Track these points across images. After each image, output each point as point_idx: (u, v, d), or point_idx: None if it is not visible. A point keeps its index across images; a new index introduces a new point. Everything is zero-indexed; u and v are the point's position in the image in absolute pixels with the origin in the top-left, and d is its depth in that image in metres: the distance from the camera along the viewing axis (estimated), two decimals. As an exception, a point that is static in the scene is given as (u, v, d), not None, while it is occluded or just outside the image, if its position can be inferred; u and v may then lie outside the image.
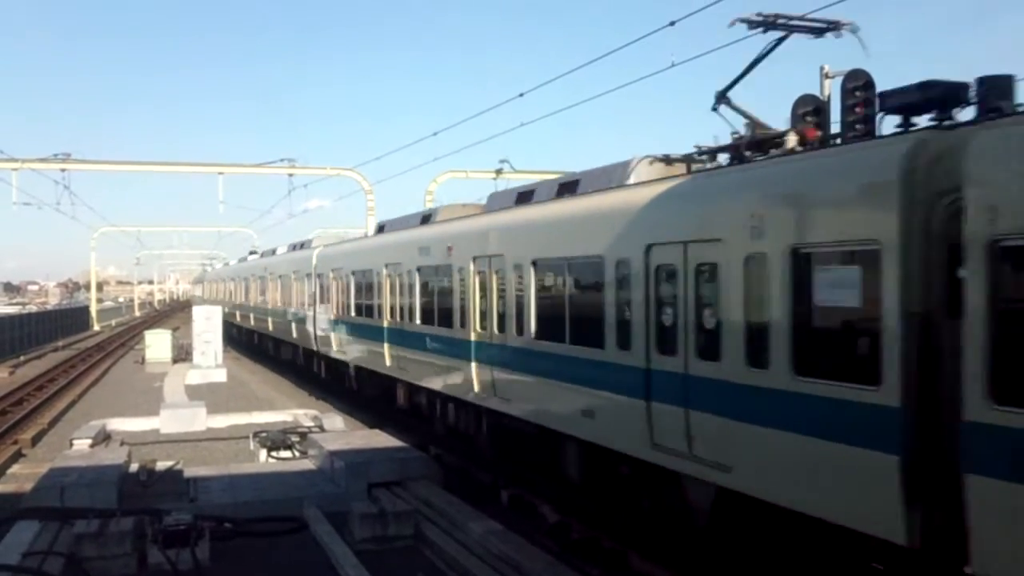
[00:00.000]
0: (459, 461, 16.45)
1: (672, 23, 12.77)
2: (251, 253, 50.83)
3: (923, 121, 8.21)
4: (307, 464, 14.95)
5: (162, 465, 13.31)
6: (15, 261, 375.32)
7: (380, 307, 20.32)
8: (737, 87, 10.67)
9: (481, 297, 14.78)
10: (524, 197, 14.64)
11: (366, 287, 21.65)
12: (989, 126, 6.92)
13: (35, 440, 19.65)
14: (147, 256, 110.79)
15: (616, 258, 10.83)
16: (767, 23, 10.06)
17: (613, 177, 12.05)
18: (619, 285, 10.80)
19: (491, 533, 10.61)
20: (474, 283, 14.98)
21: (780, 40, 10.26)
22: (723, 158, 10.91)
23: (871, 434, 7.23)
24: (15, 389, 27.63)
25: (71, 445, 16.24)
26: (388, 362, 19.78)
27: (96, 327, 70.87)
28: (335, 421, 18.38)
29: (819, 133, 9.95)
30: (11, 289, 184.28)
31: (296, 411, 20.68)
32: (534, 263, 13.05)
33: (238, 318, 44.88)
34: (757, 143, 10.19)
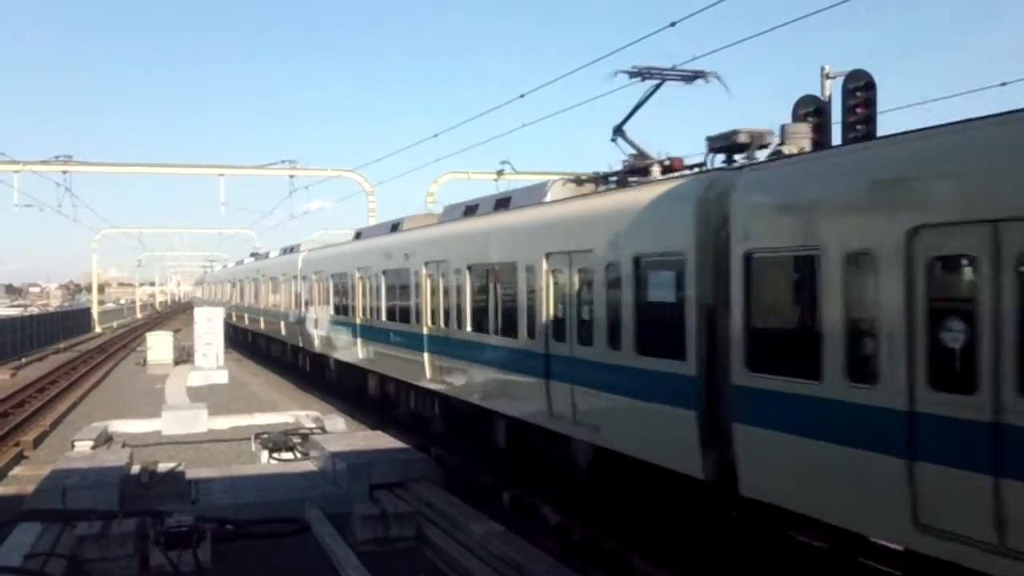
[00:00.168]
0: (461, 462, 16.45)
1: (673, 24, 12.79)
2: (252, 255, 50.94)
3: (740, 158, 10.54)
4: (309, 465, 14.95)
5: (164, 467, 13.31)
6: (17, 263, 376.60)
7: (354, 307, 22.57)
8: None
9: (431, 296, 17.06)
10: (470, 210, 16.66)
11: (343, 289, 23.92)
12: (747, 171, 9.27)
13: (37, 442, 19.66)
14: (148, 258, 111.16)
15: (525, 264, 13.12)
16: (642, 74, 12.07)
17: (535, 196, 14.29)
18: (527, 286, 13.06)
19: (492, 534, 10.61)
20: (426, 284, 17.28)
21: (657, 87, 12.29)
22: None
23: (680, 396, 9.58)
24: (17, 391, 27.63)
25: (73, 447, 16.24)
26: (361, 355, 22.16)
27: (98, 329, 70.89)
28: (337, 422, 18.39)
29: (685, 164, 11.71)
30: (13, 291, 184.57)
31: (298, 412, 20.69)
32: (469, 267, 15.28)
33: (234, 318, 45.32)
34: (637, 170, 12.30)
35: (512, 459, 14.92)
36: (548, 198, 13.75)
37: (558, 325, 12.24)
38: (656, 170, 11.88)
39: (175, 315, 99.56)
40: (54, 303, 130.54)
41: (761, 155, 10.34)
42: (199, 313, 33.74)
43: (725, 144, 10.71)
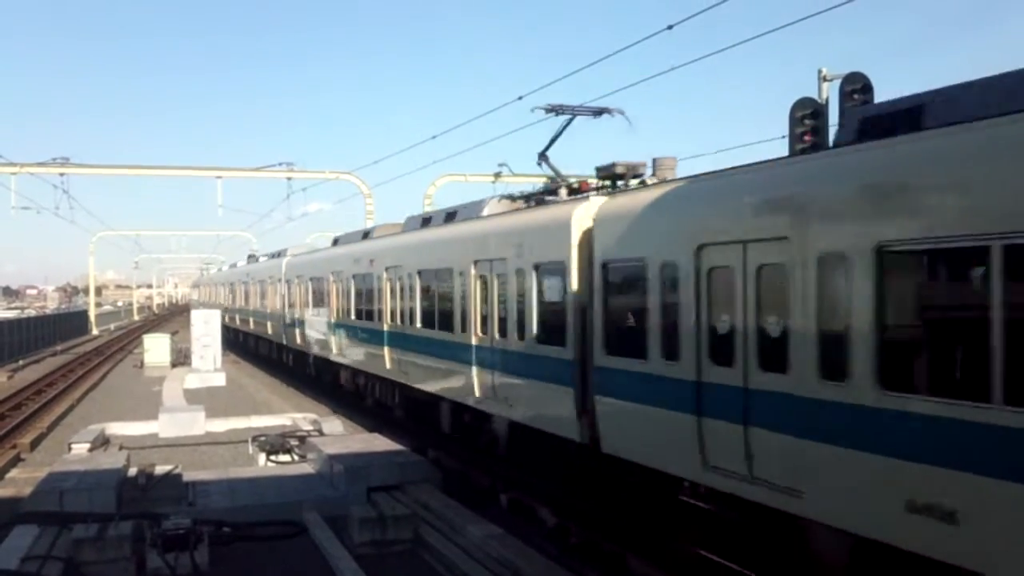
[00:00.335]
0: (458, 465, 16.44)
1: (670, 27, 12.80)
2: (249, 256, 51.01)
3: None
4: (306, 468, 14.94)
5: (161, 469, 13.28)
6: (14, 265, 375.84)
7: (329, 307, 24.93)
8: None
9: (391, 297, 19.43)
10: (426, 222, 18.93)
11: (320, 291, 26.30)
12: (605, 199, 11.75)
13: (34, 444, 19.62)
14: (146, 260, 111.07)
15: (459, 269, 15.39)
16: (556, 110, 14.46)
17: (474, 210, 16.29)
18: (460, 288, 15.41)
19: (490, 537, 10.60)
20: (386, 287, 19.66)
21: (569, 121, 14.62)
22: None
23: (563, 376, 11.97)
24: (14, 393, 27.58)
25: (70, 449, 16.23)
26: (335, 351, 24.48)
27: (95, 331, 70.83)
28: (334, 425, 18.38)
29: (591, 186, 13.73)
30: (10, 293, 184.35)
31: (295, 415, 20.69)
32: (419, 272, 17.65)
33: (226, 319, 45.54)
34: (551, 191, 14.65)
35: (508, 460, 15.08)
36: (484, 212, 15.81)
37: (483, 321, 14.63)
38: (563, 191, 14.21)
39: (172, 317, 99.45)
40: (51, 305, 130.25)
41: (637, 182, 12.82)
42: (196, 315, 33.70)
43: (608, 174, 13.09)
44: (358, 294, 22.12)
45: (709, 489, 9.72)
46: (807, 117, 13.05)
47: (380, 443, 15.49)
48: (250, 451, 16.65)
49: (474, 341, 14.74)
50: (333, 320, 24.43)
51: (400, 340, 18.73)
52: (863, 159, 7.70)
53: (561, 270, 12.03)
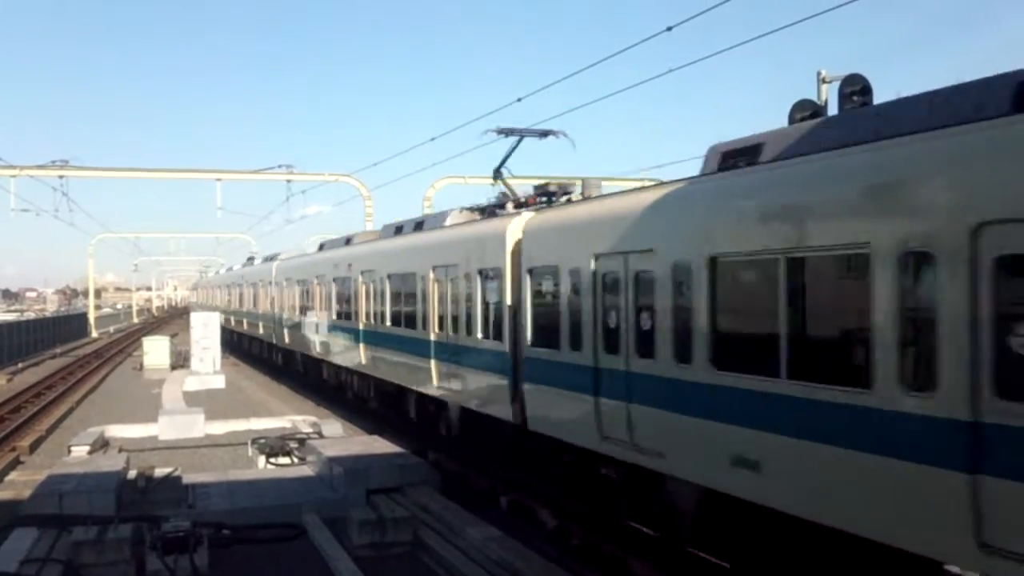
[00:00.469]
0: (458, 467, 16.44)
1: (669, 28, 12.81)
2: (249, 258, 51.04)
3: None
4: (306, 470, 14.92)
5: (160, 472, 13.26)
6: (13, 268, 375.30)
7: (313, 309, 27.06)
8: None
9: (366, 299, 21.41)
10: (398, 230, 20.72)
11: (306, 293, 28.43)
12: (535, 213, 13.84)
13: (33, 447, 19.61)
14: (145, 263, 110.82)
15: (420, 274, 17.47)
16: (507, 132, 16.40)
17: (439, 220, 18.26)
18: (421, 290, 17.49)
19: (490, 539, 10.59)
20: (361, 289, 21.70)
21: (518, 142, 16.58)
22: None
23: (501, 367, 13.86)
24: (13, 396, 27.57)
25: (69, 452, 16.21)
26: (318, 349, 26.53)
27: (94, 334, 70.82)
28: (334, 427, 18.36)
29: (536, 200, 15.25)
30: (9, 296, 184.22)
31: (295, 417, 20.67)
32: (388, 276, 19.67)
33: (222, 321, 45.77)
34: (501, 204, 16.45)
35: (508, 463, 15.13)
36: (447, 223, 17.66)
37: (440, 319, 16.58)
38: (510, 206, 16.00)
39: (172, 320, 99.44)
40: (51, 308, 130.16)
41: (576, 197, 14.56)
42: (196, 318, 33.70)
43: (543, 191, 15.15)
44: (338, 296, 24.10)
45: (608, 457, 11.33)
46: (806, 119, 13.04)
47: (380, 445, 15.49)
48: (250, 453, 16.64)
49: (432, 337, 16.85)
50: (317, 321, 26.45)
51: (373, 338, 20.87)
52: (697, 190, 9.90)
53: (499, 275, 14.01)
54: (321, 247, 29.23)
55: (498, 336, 14.03)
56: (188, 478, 13.82)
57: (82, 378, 35.01)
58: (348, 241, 25.62)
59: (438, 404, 17.19)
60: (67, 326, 65.61)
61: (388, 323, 19.66)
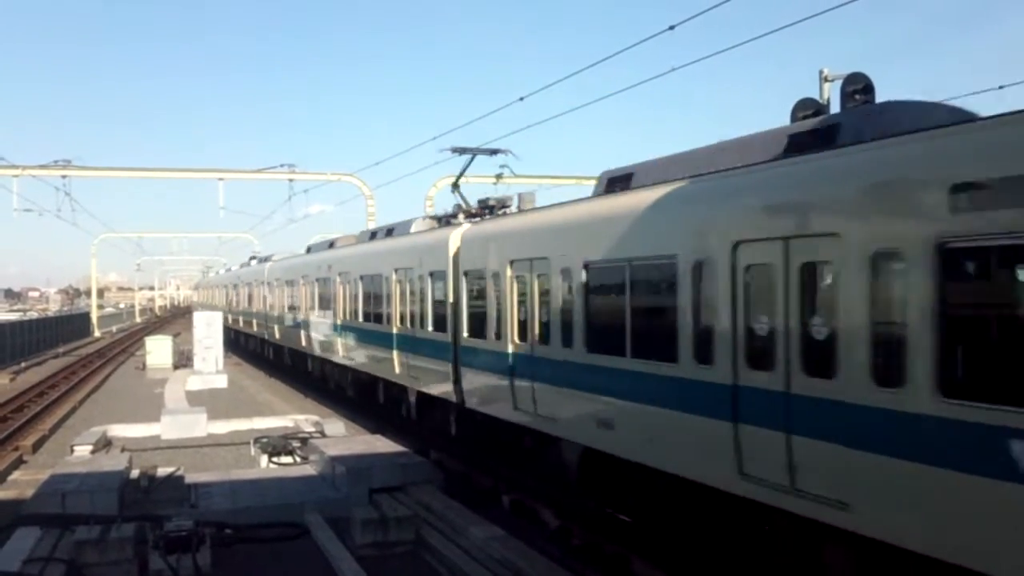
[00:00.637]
0: (460, 466, 16.44)
1: (671, 27, 12.79)
2: (251, 258, 51.11)
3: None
4: (308, 470, 14.93)
5: (163, 471, 13.27)
6: (16, 267, 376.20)
7: (299, 307, 29.71)
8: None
9: (343, 297, 23.76)
10: (373, 235, 23.51)
11: (293, 292, 30.87)
12: (471, 224, 16.31)
13: (36, 446, 19.64)
14: (148, 262, 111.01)
15: (384, 275, 19.99)
16: (460, 150, 19.37)
17: (406, 228, 20.57)
18: (386, 289, 19.91)
19: (492, 538, 10.58)
20: (339, 289, 24.13)
21: (471, 160, 19.42)
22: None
23: (446, 355, 16.20)
24: (16, 395, 27.61)
25: (72, 451, 16.22)
26: (304, 343, 29.07)
27: (97, 333, 70.90)
28: (336, 426, 18.35)
29: (482, 212, 17.57)
30: (12, 295, 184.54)
31: (297, 416, 20.67)
32: (360, 277, 22.19)
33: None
34: (454, 215, 18.44)
35: (508, 462, 15.14)
36: (412, 230, 19.99)
37: (400, 315, 19.06)
38: (461, 216, 17.99)
39: (174, 319, 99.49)
40: (53, 307, 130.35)
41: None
42: (198, 317, 33.70)
43: (485, 205, 17.53)
44: (320, 295, 26.57)
45: (517, 425, 13.71)
46: (808, 118, 13.03)
47: (382, 444, 15.48)
48: (252, 453, 16.64)
49: (395, 331, 19.32)
50: (302, 318, 29.12)
51: (348, 333, 23.33)
52: (574, 210, 12.59)
53: (443, 276, 16.40)
54: (308, 250, 31.36)
55: (442, 328, 16.45)
56: (191, 477, 13.82)
57: (85, 378, 35.05)
58: (331, 245, 27.80)
59: (401, 389, 19.54)
60: (70, 326, 65.68)
61: (360, 319, 22.09)
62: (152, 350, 38.40)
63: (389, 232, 21.76)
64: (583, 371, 11.44)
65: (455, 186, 19.30)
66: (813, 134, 8.80)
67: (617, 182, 11.90)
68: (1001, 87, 15.77)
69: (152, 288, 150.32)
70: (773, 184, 8.60)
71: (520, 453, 14.70)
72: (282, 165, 39.28)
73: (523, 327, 13.30)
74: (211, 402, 23.97)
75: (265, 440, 16.59)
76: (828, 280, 7.66)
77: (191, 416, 20.02)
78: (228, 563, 10.38)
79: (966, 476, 6.32)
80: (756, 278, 8.47)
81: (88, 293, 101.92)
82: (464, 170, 19.34)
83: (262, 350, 39.85)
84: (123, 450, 16.88)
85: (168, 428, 19.34)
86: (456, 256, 15.89)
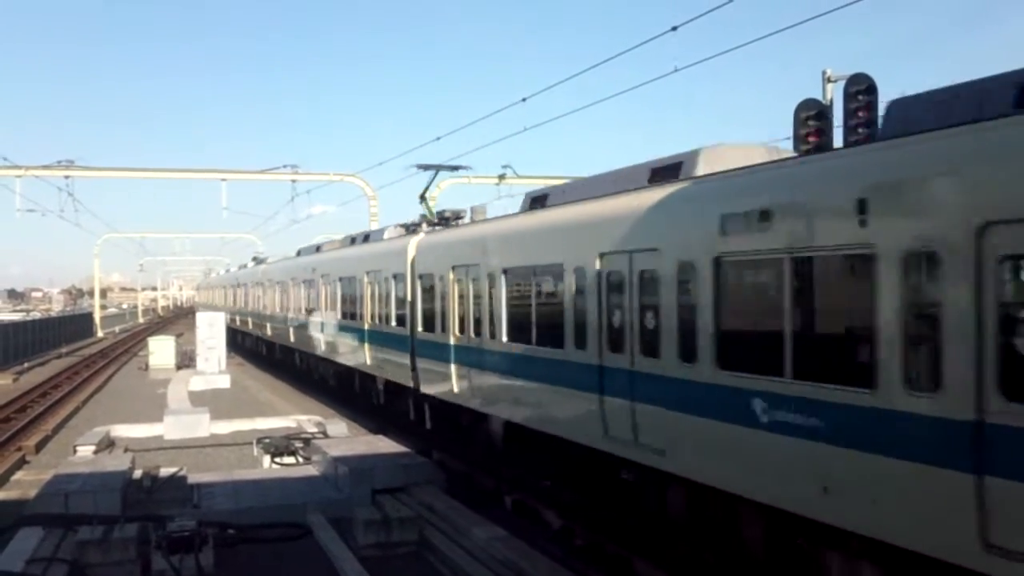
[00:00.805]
0: (463, 467, 16.44)
1: (674, 28, 12.80)
2: (253, 258, 51.16)
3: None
4: (311, 470, 14.94)
5: (166, 471, 13.29)
6: (19, 267, 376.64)
7: (288, 306, 32.14)
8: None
9: (325, 297, 26.26)
10: (353, 240, 25.58)
11: (285, 292, 33.05)
12: (425, 233, 19.16)
13: (39, 447, 19.66)
14: (150, 263, 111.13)
15: (358, 277, 22.35)
16: (424, 167, 22.50)
17: (380, 235, 22.86)
18: (360, 290, 22.25)
19: (495, 539, 10.58)
20: (322, 290, 26.64)
21: (435, 175, 22.67)
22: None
23: (404, 347, 18.41)
24: (19, 396, 27.63)
25: (75, 452, 16.25)
26: (292, 340, 31.72)
27: (100, 334, 70.97)
28: (339, 427, 18.38)
29: (440, 221, 20.06)
30: (15, 296, 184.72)
31: (300, 417, 20.69)
32: (340, 279, 24.64)
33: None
34: (418, 224, 20.82)
35: (509, 461, 15.15)
36: (385, 236, 22.23)
37: (371, 313, 21.42)
38: (424, 225, 20.43)
39: (177, 320, 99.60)
40: (56, 308, 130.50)
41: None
42: (201, 318, 33.72)
43: (441, 217, 20.03)
44: (307, 296, 29.07)
45: (458, 405, 15.78)
46: (811, 118, 13.03)
47: (385, 445, 15.49)
48: (255, 453, 16.66)
49: (366, 327, 21.60)
50: (291, 316, 31.78)
51: (331, 329, 25.62)
52: (500, 225, 15.01)
53: (403, 278, 18.72)
54: (298, 253, 33.55)
55: (402, 324, 18.79)
56: (193, 478, 13.84)
57: (88, 378, 35.08)
58: (318, 248, 30.03)
59: (372, 379, 21.81)
60: (72, 326, 65.74)
61: (339, 316, 24.57)
62: (155, 350, 38.43)
63: (366, 238, 24.25)
64: (506, 358, 13.76)
65: (422, 197, 22.67)
66: (665, 169, 10.75)
67: (536, 201, 14.10)
68: None
69: (155, 288, 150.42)
70: (622, 208, 10.84)
71: (461, 430, 16.57)
72: (285, 166, 39.35)
73: (462, 322, 15.56)
74: (214, 402, 24.00)
75: (268, 440, 16.61)
76: (653, 283, 9.90)
77: (194, 416, 20.04)
78: (231, 563, 10.38)
79: (733, 426, 8.58)
80: (614, 281, 10.72)
81: (91, 293, 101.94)
82: (429, 184, 22.87)
83: (257, 347, 42.59)
84: (126, 450, 16.89)
85: (171, 428, 19.36)
86: (413, 261, 18.31)
